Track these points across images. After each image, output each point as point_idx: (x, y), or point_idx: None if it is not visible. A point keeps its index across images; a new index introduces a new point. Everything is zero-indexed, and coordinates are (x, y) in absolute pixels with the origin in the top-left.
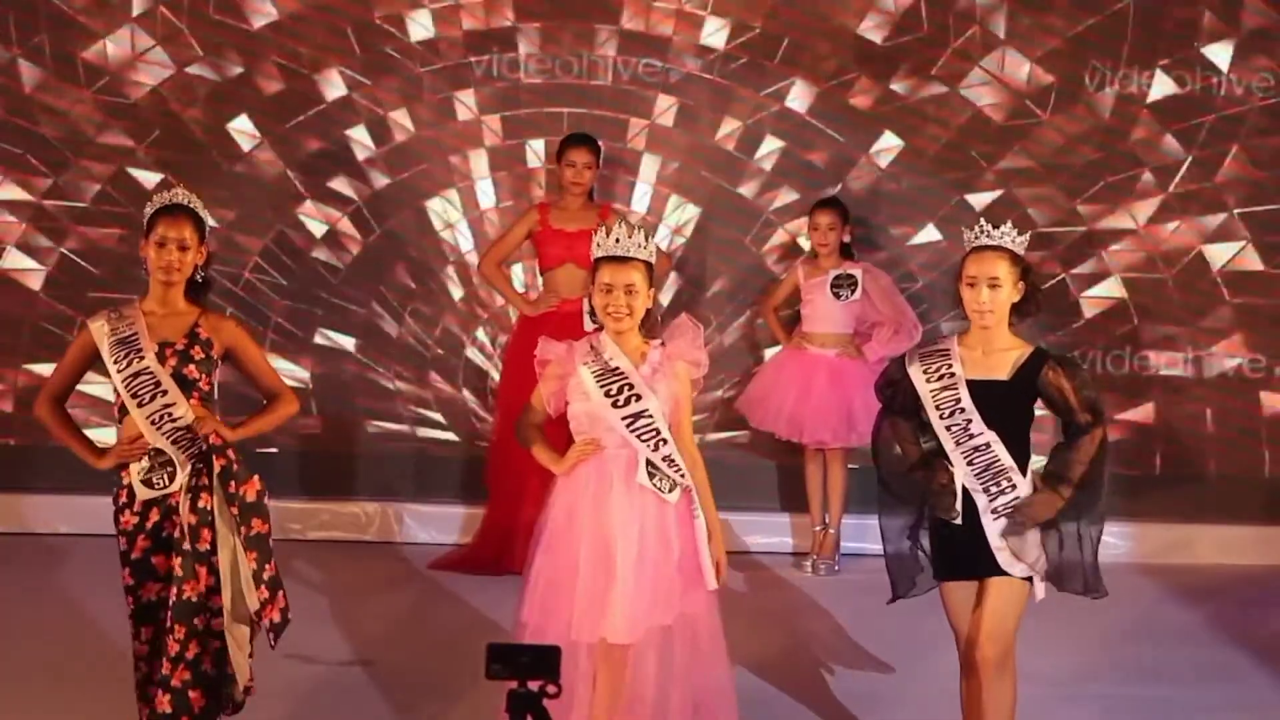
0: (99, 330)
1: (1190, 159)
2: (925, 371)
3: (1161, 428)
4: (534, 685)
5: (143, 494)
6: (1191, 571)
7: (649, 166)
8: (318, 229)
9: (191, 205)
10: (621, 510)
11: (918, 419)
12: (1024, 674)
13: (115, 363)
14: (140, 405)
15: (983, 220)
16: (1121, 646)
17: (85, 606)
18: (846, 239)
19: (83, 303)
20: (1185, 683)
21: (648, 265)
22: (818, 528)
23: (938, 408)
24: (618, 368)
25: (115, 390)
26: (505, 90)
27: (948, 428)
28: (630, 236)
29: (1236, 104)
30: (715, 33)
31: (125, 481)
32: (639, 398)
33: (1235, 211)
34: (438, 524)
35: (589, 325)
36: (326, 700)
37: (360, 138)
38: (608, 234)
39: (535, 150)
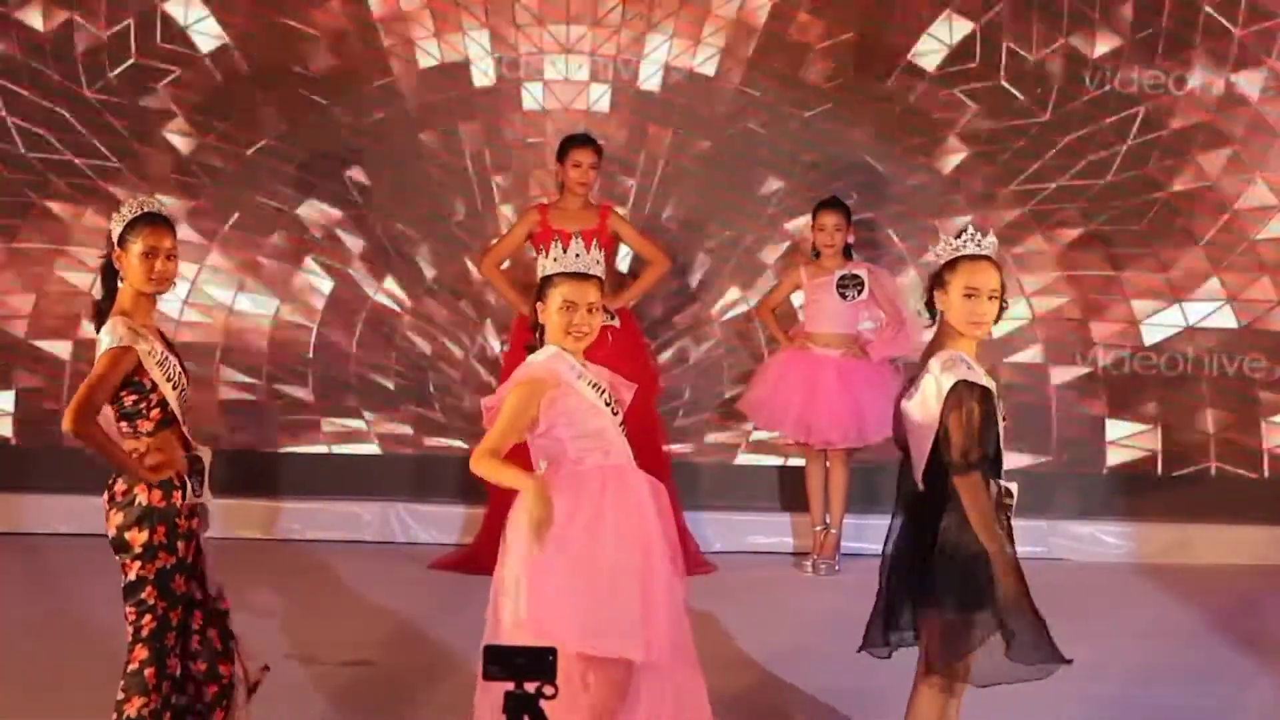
0: (143, 352)
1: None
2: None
3: (1161, 427)
4: (530, 687)
5: (191, 499)
6: (1191, 571)
7: (647, 166)
8: (318, 229)
9: (167, 214)
10: (653, 517)
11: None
12: None
13: (169, 380)
14: (184, 420)
15: (970, 228)
16: (1122, 646)
17: (85, 606)
18: (850, 239)
19: None
20: (1185, 683)
21: (601, 281)
22: (818, 528)
23: (1004, 419)
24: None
25: (153, 407)
26: (506, 89)
27: (1001, 440)
28: (588, 252)
29: None
30: (716, 31)
31: (176, 484)
32: (619, 408)
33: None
34: (438, 524)
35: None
36: (326, 700)
37: (361, 137)
38: (564, 250)
39: (535, 150)
